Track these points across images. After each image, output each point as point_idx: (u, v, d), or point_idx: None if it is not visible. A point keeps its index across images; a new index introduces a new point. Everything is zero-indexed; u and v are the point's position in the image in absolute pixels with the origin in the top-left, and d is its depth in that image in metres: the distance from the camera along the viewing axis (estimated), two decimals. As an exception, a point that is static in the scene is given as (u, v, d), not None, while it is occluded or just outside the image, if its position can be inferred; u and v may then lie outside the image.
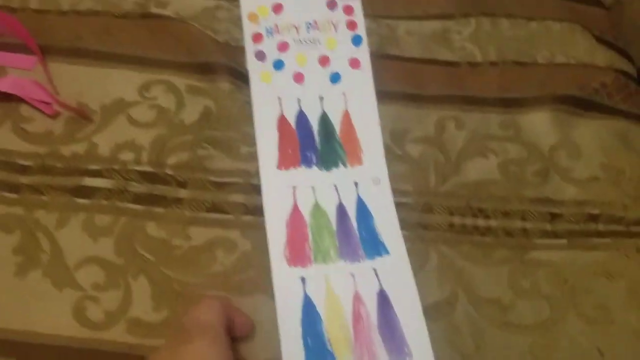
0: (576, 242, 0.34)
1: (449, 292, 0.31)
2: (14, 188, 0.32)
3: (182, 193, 0.33)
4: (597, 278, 0.32)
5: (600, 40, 0.42)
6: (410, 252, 0.32)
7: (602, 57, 0.41)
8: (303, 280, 0.31)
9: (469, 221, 0.34)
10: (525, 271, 0.32)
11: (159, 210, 0.32)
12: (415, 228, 0.33)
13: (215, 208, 0.32)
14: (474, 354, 0.30)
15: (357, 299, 0.31)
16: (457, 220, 0.34)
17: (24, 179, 0.32)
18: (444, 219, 0.34)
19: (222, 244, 0.32)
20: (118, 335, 0.29)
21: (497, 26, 0.41)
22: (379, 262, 0.32)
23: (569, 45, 0.41)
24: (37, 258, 0.30)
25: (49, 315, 0.29)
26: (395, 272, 0.31)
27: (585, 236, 0.34)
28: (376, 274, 0.31)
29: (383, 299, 0.31)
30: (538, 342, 0.30)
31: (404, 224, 0.33)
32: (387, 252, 0.32)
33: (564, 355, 0.30)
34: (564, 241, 0.34)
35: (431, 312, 0.31)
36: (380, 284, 0.31)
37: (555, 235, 0.34)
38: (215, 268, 0.31)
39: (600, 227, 0.34)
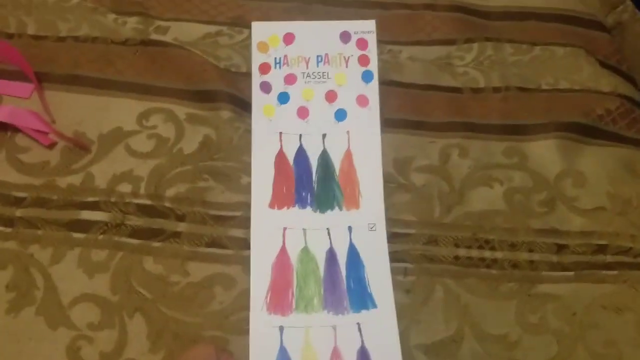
0: (583, 275, 0.33)
1: (455, 328, 0.31)
2: (8, 222, 0.31)
3: (181, 227, 0.32)
4: (605, 312, 0.32)
5: (604, 64, 0.41)
6: (415, 286, 0.31)
7: (607, 82, 0.40)
8: (281, 329, 0.29)
9: (474, 253, 0.33)
10: (533, 305, 0.32)
11: (156, 244, 0.31)
12: (420, 261, 0.32)
13: (214, 243, 0.32)
14: (480, 395, 0.29)
15: (335, 354, 0.29)
16: (462, 252, 0.33)
17: (19, 212, 0.32)
18: (449, 251, 0.33)
19: (221, 281, 0.31)
20: (113, 377, 0.28)
21: (500, 52, 0.41)
22: (364, 316, 0.30)
23: (573, 71, 0.40)
24: (30, 295, 0.29)
25: (42, 356, 0.28)
26: (380, 328, 0.30)
27: (593, 268, 0.33)
28: (359, 329, 0.30)
29: (363, 357, 0.29)
30: (546, 381, 0.30)
31: (408, 257, 0.32)
32: (374, 305, 0.31)
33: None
34: (571, 273, 0.33)
35: (437, 349, 0.30)
36: (362, 341, 0.30)
37: (562, 267, 0.33)
38: (214, 306, 0.30)
39: (608, 258, 0.33)
